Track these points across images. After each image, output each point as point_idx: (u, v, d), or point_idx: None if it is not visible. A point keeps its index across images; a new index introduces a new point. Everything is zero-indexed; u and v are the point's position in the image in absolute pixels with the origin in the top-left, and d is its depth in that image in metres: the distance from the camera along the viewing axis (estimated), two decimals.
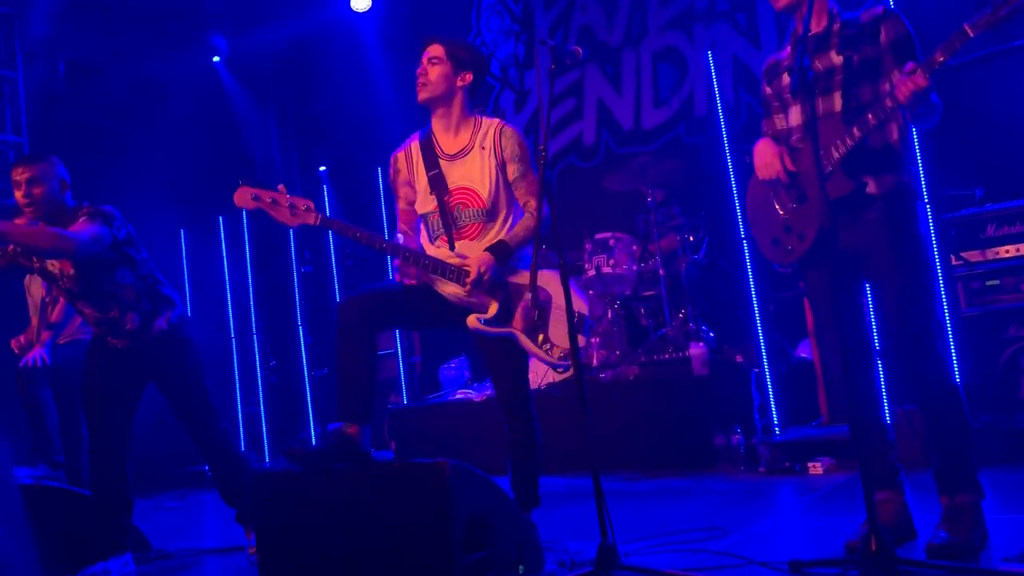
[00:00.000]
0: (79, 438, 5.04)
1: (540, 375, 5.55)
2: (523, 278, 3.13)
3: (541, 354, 3.12)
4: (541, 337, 3.13)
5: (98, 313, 3.71)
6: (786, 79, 2.97)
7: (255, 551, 3.41)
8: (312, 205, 3.08)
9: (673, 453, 5.03)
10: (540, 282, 3.11)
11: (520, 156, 3.21)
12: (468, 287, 3.08)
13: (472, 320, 3.12)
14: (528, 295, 3.10)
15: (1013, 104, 4.99)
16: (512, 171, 3.20)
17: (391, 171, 3.38)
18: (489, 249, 3.13)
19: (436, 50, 3.22)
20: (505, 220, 3.20)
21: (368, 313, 3.02)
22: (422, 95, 3.23)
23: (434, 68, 3.20)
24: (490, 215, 3.18)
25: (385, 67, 8.01)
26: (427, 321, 3.22)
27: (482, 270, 3.06)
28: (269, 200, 3.04)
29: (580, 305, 3.14)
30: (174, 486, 6.92)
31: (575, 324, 2.93)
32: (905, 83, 2.55)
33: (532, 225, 3.16)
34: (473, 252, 3.14)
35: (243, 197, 3.06)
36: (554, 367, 3.17)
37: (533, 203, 3.19)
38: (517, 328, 3.14)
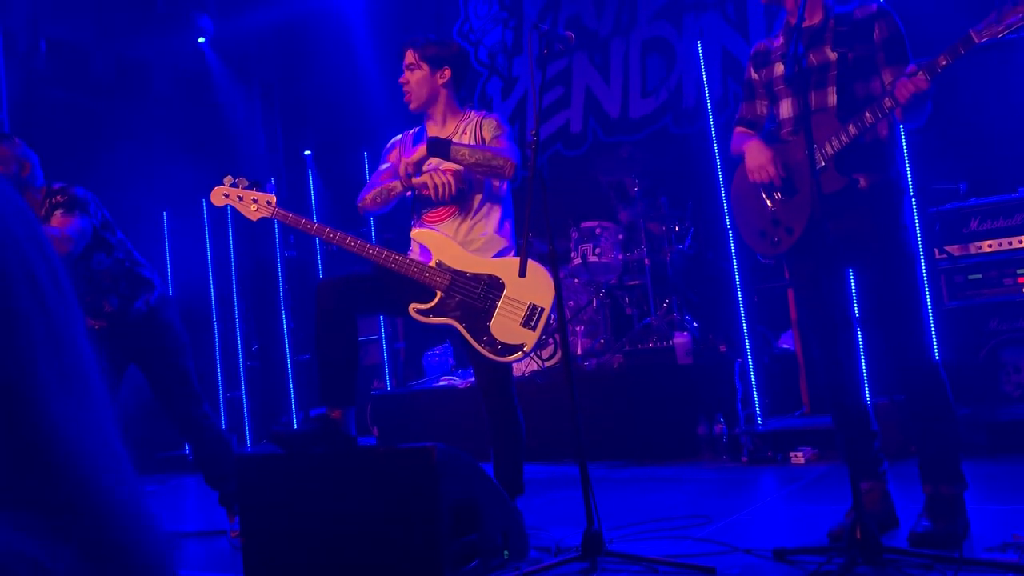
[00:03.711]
0: None
1: (524, 364, 5.55)
2: (478, 266, 3.11)
3: (479, 347, 3.05)
4: (483, 329, 3.06)
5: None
6: (778, 69, 2.96)
7: (238, 534, 3.39)
8: (274, 200, 3.25)
9: (656, 442, 5.04)
10: (498, 271, 3.09)
11: (495, 127, 3.26)
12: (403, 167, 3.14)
13: (411, 309, 3.11)
14: (479, 285, 3.08)
15: (999, 99, 5.03)
16: (488, 139, 3.23)
17: (388, 144, 3.46)
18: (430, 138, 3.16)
19: (410, 56, 3.29)
20: (483, 201, 3.21)
21: (347, 296, 3.02)
22: (412, 105, 3.32)
23: (413, 75, 3.27)
24: (468, 190, 3.20)
25: (372, 51, 7.95)
26: (403, 307, 3.19)
27: (414, 159, 3.12)
28: (236, 197, 3.26)
29: (543, 298, 3.04)
30: (155, 470, 6.87)
31: (535, 317, 2.95)
32: (906, 85, 2.56)
33: (486, 147, 3.14)
34: (427, 238, 3.16)
35: (217, 196, 3.29)
36: (493, 359, 3.05)
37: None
38: (458, 319, 3.09)
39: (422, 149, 3.14)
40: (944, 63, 2.53)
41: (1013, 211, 4.37)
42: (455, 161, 3.11)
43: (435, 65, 3.26)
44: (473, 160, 3.09)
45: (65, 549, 0.44)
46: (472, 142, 3.22)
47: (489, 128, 3.25)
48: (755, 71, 3.09)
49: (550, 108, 7.40)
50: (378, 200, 3.27)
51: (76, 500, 0.46)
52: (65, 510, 0.45)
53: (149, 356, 3.78)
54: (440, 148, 3.10)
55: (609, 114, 7.17)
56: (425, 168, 3.20)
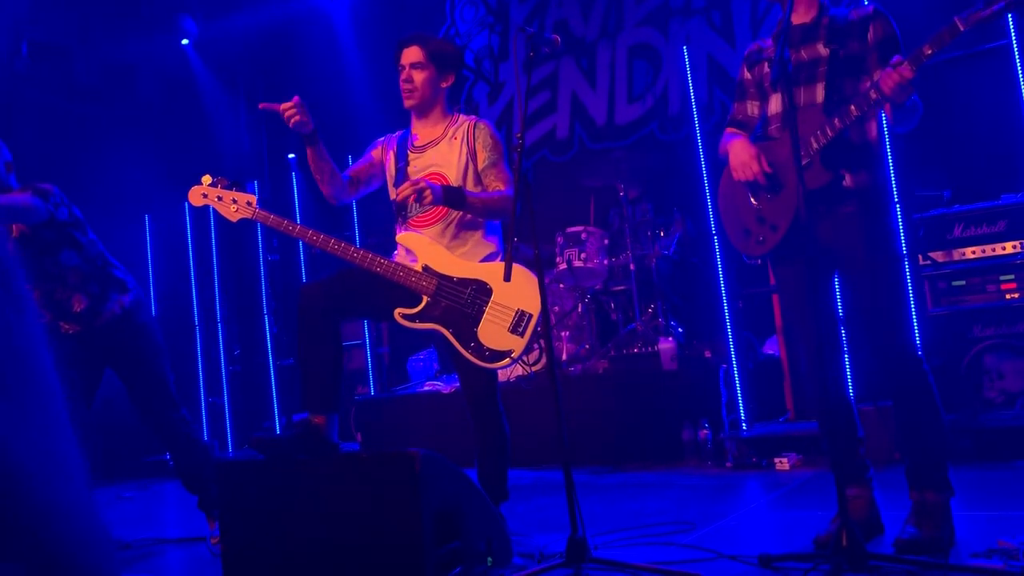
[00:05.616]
0: None
1: (509, 369, 5.52)
2: (465, 271, 3.08)
3: (466, 353, 3.01)
4: (470, 335, 3.02)
5: (43, 296, 3.64)
6: (767, 69, 2.96)
7: (218, 541, 3.35)
8: (254, 200, 3.15)
9: (641, 447, 5.03)
10: (485, 276, 3.06)
11: (492, 146, 3.20)
12: (404, 188, 2.95)
13: (396, 314, 3.07)
14: (466, 290, 3.05)
15: (982, 106, 5.05)
16: (482, 159, 3.19)
17: (374, 142, 3.41)
18: (444, 186, 3.05)
19: (417, 54, 3.19)
20: None
21: (330, 300, 2.98)
22: (410, 102, 3.22)
23: (419, 74, 3.18)
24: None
25: (358, 55, 7.92)
26: (388, 312, 3.13)
27: (423, 185, 2.92)
28: (215, 197, 3.16)
29: (530, 304, 3.01)
30: (135, 476, 6.79)
31: (523, 323, 2.92)
32: (890, 75, 2.55)
33: (496, 199, 3.10)
34: (413, 242, 3.11)
35: (196, 195, 3.19)
36: (480, 365, 3.02)
37: (503, 188, 3.17)
38: (444, 324, 3.05)
39: (431, 195, 2.97)
40: (929, 52, 2.51)
41: (996, 218, 4.38)
42: (466, 210, 3.08)
43: (441, 68, 3.21)
44: (484, 210, 3.09)
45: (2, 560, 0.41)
46: (464, 148, 3.18)
47: (484, 142, 3.19)
48: (748, 70, 3.07)
49: (537, 113, 7.39)
50: (322, 167, 3.18)
51: (12, 510, 0.43)
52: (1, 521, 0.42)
53: (125, 361, 3.73)
54: (456, 199, 3.03)
55: (595, 120, 7.16)
56: (411, 170, 3.19)
